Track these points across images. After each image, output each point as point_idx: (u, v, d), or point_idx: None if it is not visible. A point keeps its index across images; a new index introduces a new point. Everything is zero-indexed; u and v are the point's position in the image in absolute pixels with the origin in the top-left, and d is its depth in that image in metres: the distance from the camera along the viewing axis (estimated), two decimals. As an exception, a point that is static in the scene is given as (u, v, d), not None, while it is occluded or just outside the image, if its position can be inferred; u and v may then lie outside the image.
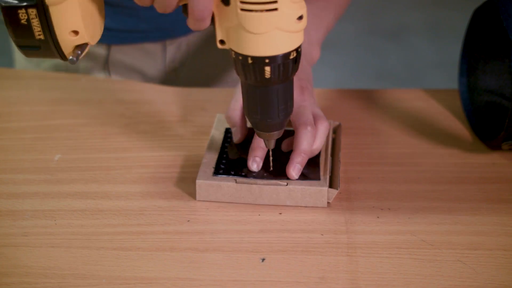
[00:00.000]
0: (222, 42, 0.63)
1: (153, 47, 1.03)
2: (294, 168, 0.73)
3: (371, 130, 0.89)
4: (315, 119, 0.76)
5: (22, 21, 0.61)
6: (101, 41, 1.01)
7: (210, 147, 0.79)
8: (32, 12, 0.60)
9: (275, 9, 0.59)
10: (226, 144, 0.79)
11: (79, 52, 0.64)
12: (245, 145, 0.78)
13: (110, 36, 1.01)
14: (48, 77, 1.00)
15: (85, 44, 0.64)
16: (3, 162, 0.80)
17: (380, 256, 0.68)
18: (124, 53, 1.03)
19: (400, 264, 0.67)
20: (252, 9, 0.59)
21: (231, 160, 0.76)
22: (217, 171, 0.75)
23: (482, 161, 0.83)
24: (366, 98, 0.96)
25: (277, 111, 0.67)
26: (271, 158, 0.74)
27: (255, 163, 0.74)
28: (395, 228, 0.72)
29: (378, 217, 0.73)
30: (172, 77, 1.07)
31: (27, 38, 0.62)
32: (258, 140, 0.75)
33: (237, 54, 0.63)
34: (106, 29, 0.90)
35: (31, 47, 0.63)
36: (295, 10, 0.60)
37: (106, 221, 0.72)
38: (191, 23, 0.62)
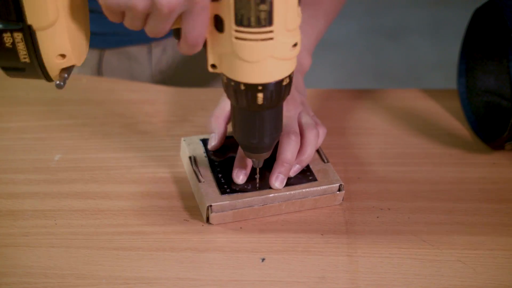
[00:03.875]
0: (213, 66, 0.62)
1: (139, 50, 1.03)
2: (277, 179, 0.72)
3: (371, 130, 0.89)
4: (304, 128, 0.75)
5: (7, 45, 0.59)
6: (89, 46, 1.02)
7: (200, 166, 0.75)
8: (18, 36, 0.59)
9: (271, 39, 0.57)
10: (213, 157, 0.76)
11: (66, 75, 0.62)
12: (220, 151, 0.77)
13: (96, 40, 1.01)
14: (48, 77, 1.00)
15: (72, 66, 0.63)
16: (3, 162, 0.80)
17: (380, 256, 0.68)
18: (111, 58, 1.03)
19: (400, 264, 0.67)
20: (247, 38, 0.57)
21: (230, 175, 0.73)
22: (223, 190, 0.72)
23: (482, 161, 0.83)
24: (366, 98, 0.96)
25: (266, 135, 0.66)
26: (258, 176, 0.72)
27: (240, 175, 0.72)
28: (395, 228, 0.72)
29: (378, 217, 0.73)
30: (159, 79, 1.06)
31: (11, 61, 0.60)
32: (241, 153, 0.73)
33: (229, 79, 0.61)
34: (92, 34, 0.89)
35: (15, 69, 0.62)
36: (290, 38, 0.59)
37: (106, 221, 0.72)
38: (183, 48, 0.60)
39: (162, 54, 1.04)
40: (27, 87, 0.96)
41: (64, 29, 0.60)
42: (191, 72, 1.08)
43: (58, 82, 0.62)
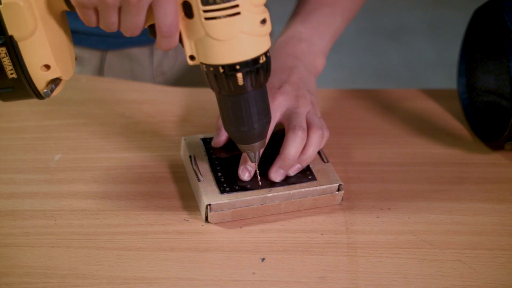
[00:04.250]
0: (192, 57, 0.64)
1: (140, 52, 1.03)
2: (276, 172, 0.72)
3: (371, 130, 0.89)
4: (310, 127, 0.74)
5: None
6: (92, 47, 1.02)
7: (200, 165, 0.75)
8: (2, 51, 0.60)
9: (238, 13, 0.59)
10: (214, 156, 0.76)
11: (53, 86, 0.64)
12: (222, 150, 0.77)
13: (99, 42, 1.01)
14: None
15: (59, 80, 0.64)
16: (3, 162, 0.80)
17: (380, 256, 0.68)
18: (112, 59, 1.03)
19: (400, 264, 0.67)
20: (216, 16, 0.59)
21: (229, 174, 0.73)
22: (223, 189, 0.71)
23: (482, 161, 0.83)
24: (366, 98, 0.96)
25: (253, 120, 0.66)
26: (258, 172, 0.72)
27: (246, 172, 0.73)
28: (395, 228, 0.72)
29: (378, 217, 0.73)
30: (160, 81, 1.07)
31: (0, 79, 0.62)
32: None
33: (208, 66, 0.63)
34: (95, 35, 0.90)
35: (4, 89, 0.63)
36: (257, 13, 0.61)
37: (106, 221, 0.72)
38: (160, 42, 0.62)
39: (163, 56, 1.05)
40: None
41: (44, 38, 0.61)
42: (192, 73, 1.08)
43: (45, 90, 0.64)
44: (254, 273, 0.66)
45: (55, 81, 0.64)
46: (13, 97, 0.64)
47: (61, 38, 0.65)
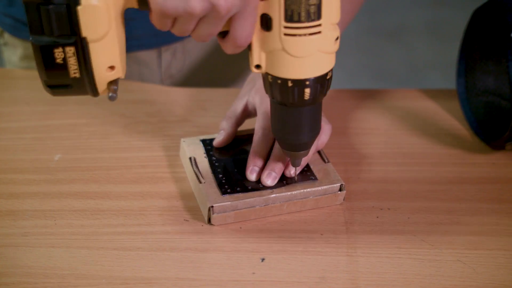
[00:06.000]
0: (258, 67, 0.62)
1: (149, 55, 1.03)
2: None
3: (371, 130, 0.89)
4: None
5: (58, 60, 0.57)
6: None
7: (201, 168, 0.75)
8: (70, 50, 0.57)
9: (319, 32, 0.59)
10: (214, 158, 0.76)
11: (115, 87, 0.61)
12: (223, 151, 0.78)
13: None
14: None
15: (117, 79, 0.61)
16: (3, 162, 0.80)
17: (380, 256, 0.68)
18: None
19: (400, 264, 0.67)
20: (297, 33, 0.58)
21: (230, 176, 0.74)
22: (224, 191, 0.71)
23: (482, 161, 0.83)
24: (366, 98, 0.96)
25: (308, 131, 0.66)
26: (296, 177, 0.73)
27: (254, 173, 0.73)
28: (395, 228, 0.72)
29: (378, 217, 0.73)
30: (168, 84, 1.06)
31: (60, 77, 0.59)
32: (257, 148, 0.74)
33: (275, 78, 0.62)
34: None
35: (62, 86, 0.60)
36: (334, 31, 0.60)
37: (106, 221, 0.72)
38: (229, 48, 0.61)
39: (171, 59, 1.04)
40: (27, 87, 0.96)
41: (115, 39, 0.59)
42: (200, 76, 1.08)
43: (110, 94, 0.61)
44: (254, 273, 0.66)
45: (115, 81, 0.61)
46: (65, 93, 0.61)
47: (123, 36, 0.62)
